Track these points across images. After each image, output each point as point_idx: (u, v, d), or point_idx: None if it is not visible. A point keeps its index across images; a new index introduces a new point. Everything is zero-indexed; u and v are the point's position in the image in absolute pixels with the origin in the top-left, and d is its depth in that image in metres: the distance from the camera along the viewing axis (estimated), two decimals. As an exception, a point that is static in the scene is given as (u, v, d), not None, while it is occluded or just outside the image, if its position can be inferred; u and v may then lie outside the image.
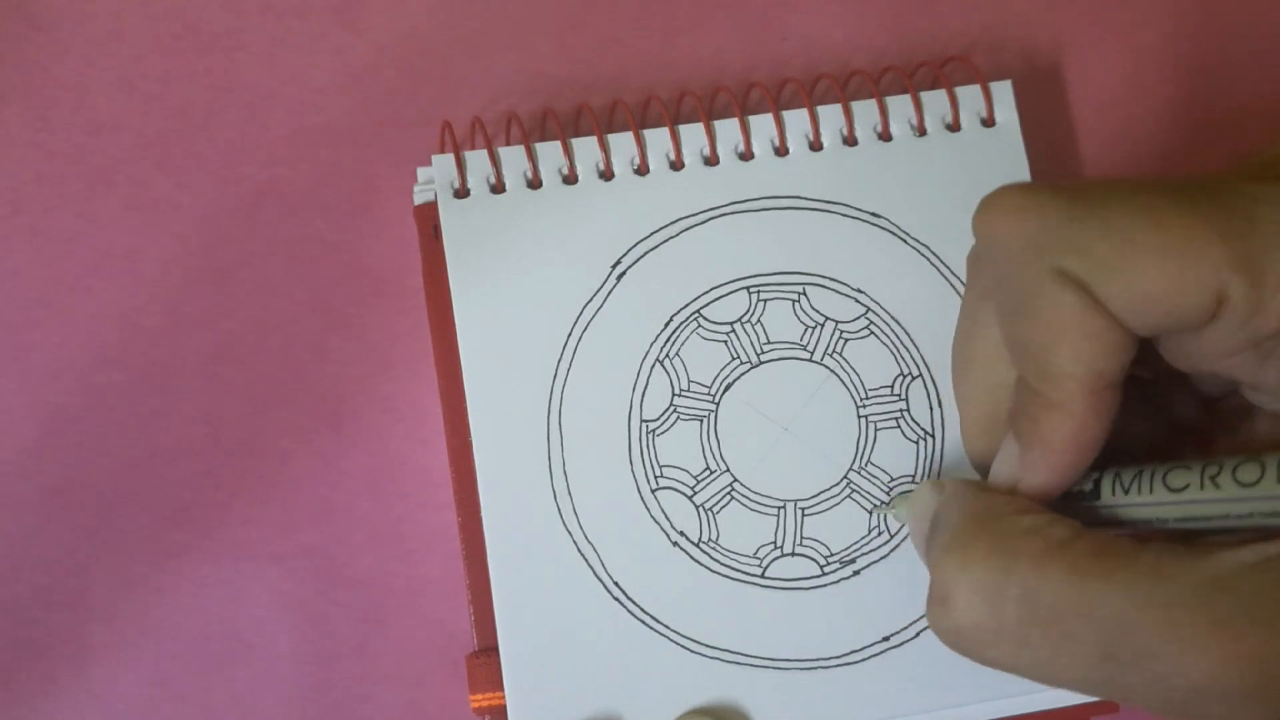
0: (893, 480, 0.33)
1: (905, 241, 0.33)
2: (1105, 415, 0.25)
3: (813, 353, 0.33)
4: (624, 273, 0.33)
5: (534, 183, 0.33)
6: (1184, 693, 0.22)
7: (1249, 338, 0.23)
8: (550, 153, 0.33)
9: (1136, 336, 0.24)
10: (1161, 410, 0.29)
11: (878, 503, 0.32)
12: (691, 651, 0.32)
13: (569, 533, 0.32)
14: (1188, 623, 0.22)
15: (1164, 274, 0.22)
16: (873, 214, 0.34)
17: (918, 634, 0.32)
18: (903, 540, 0.32)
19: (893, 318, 0.33)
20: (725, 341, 0.33)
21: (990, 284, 0.26)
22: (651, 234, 0.33)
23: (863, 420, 0.33)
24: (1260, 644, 0.21)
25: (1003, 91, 0.34)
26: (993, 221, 0.25)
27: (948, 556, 0.25)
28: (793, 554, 0.32)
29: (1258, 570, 0.22)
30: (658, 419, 0.32)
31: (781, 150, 0.34)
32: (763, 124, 0.34)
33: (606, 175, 0.34)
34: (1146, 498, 0.25)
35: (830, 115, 0.34)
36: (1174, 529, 0.25)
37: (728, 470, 0.32)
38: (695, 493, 0.32)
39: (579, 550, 0.32)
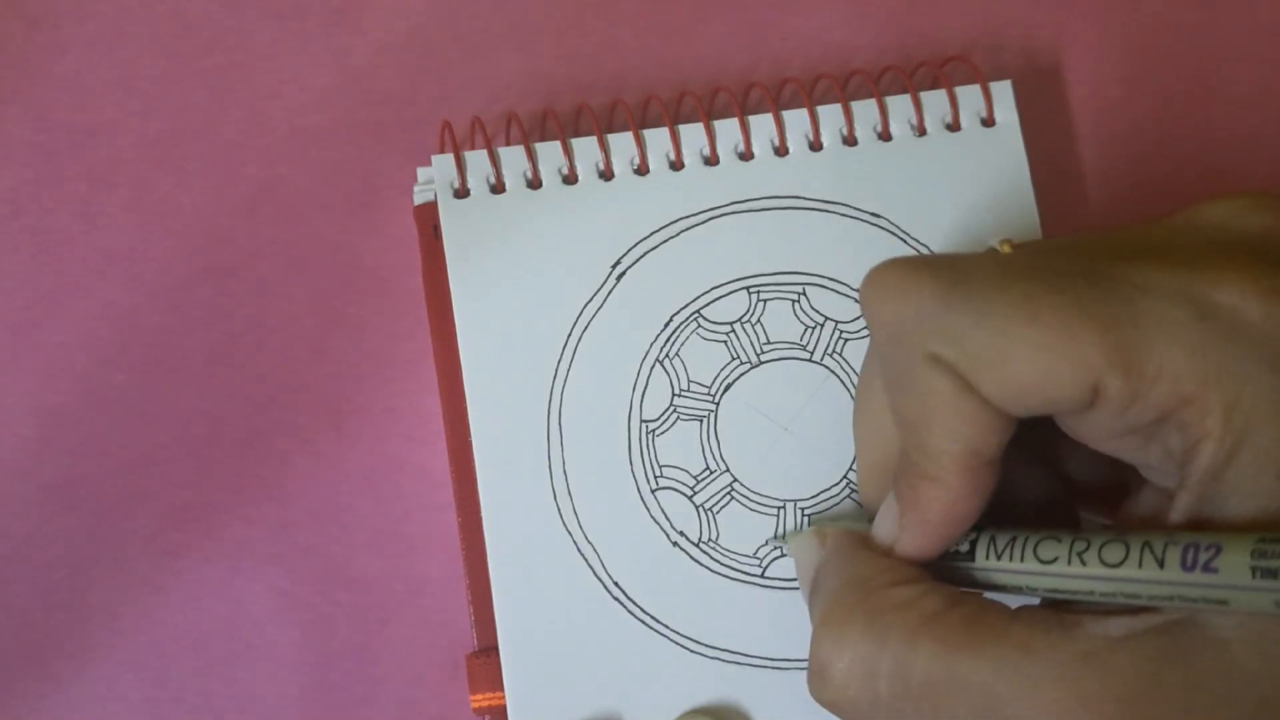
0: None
1: (905, 241, 0.33)
2: (981, 491, 0.25)
3: (813, 353, 0.33)
4: (624, 273, 0.33)
5: (534, 183, 0.33)
6: None
7: (1127, 426, 0.23)
8: (550, 153, 0.33)
9: (1012, 418, 0.24)
10: (1059, 465, 0.29)
11: (779, 536, 0.32)
12: (691, 651, 0.32)
13: (569, 533, 0.32)
14: (1054, 699, 0.23)
15: (1037, 367, 0.23)
16: (873, 214, 0.34)
17: (918, 634, 0.32)
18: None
19: (893, 318, 0.33)
20: (725, 341, 0.33)
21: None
22: (651, 234, 0.33)
23: (863, 420, 0.33)
24: (1118, 719, 0.22)
25: (1003, 91, 0.34)
26: (871, 300, 0.25)
27: (824, 630, 0.26)
28: (793, 554, 0.32)
29: (1122, 646, 0.23)
30: (658, 419, 0.32)
31: (781, 150, 0.34)
32: (763, 124, 0.34)
33: (606, 175, 0.34)
34: (1018, 565, 0.25)
35: (830, 115, 0.34)
36: (1044, 597, 0.25)
37: (728, 470, 0.32)
38: (695, 493, 0.32)
39: (579, 550, 0.32)
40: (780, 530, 0.32)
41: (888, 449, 0.27)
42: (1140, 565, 0.23)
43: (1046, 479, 0.29)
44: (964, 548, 0.27)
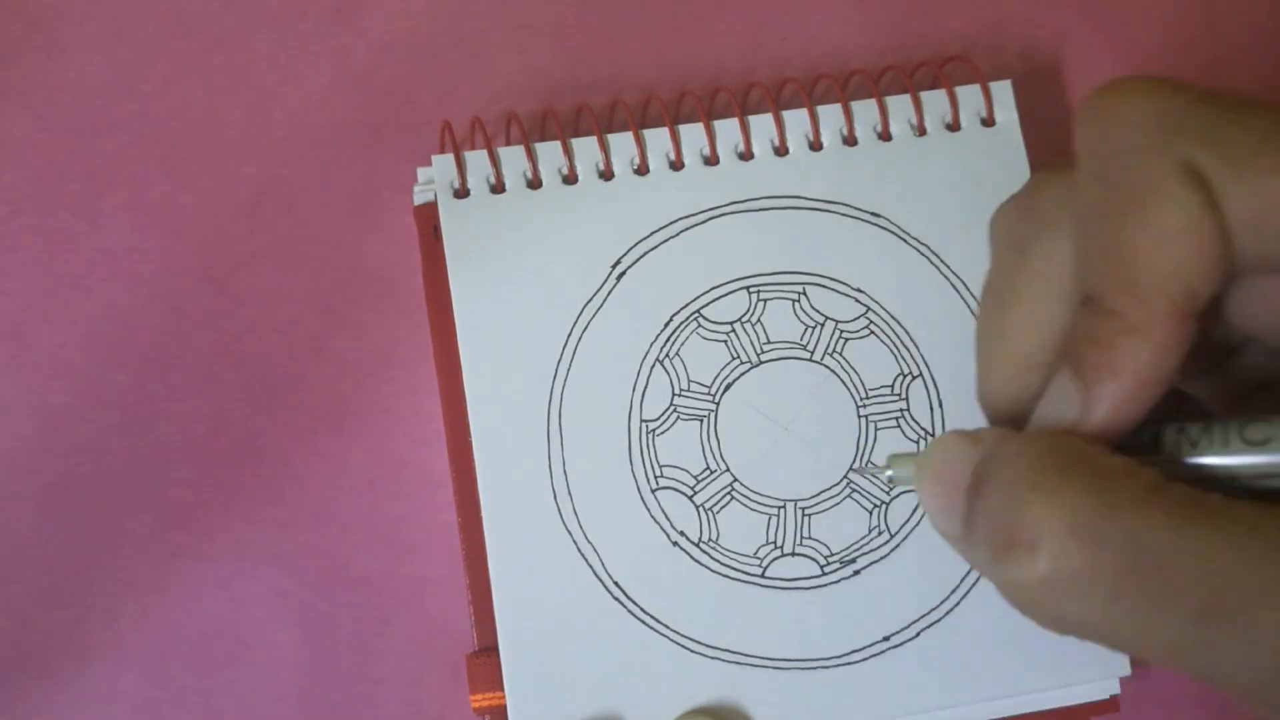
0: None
1: (905, 241, 0.33)
2: (1183, 348, 0.22)
3: (813, 353, 0.33)
4: (624, 272, 0.33)
5: (534, 183, 0.33)
6: (1276, 659, 0.20)
7: None
8: (550, 153, 0.33)
9: (1232, 265, 0.22)
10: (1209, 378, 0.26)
11: (868, 464, 0.31)
12: (691, 651, 0.32)
13: (569, 533, 0.32)
14: None
15: None
16: (873, 214, 0.34)
17: (918, 634, 0.32)
18: (903, 540, 0.32)
19: (893, 317, 0.33)
20: (725, 341, 0.33)
21: (1068, 192, 0.24)
22: (651, 234, 0.33)
23: (863, 420, 0.33)
24: None
25: (1003, 91, 0.34)
26: (1114, 103, 0.22)
27: (1034, 494, 0.21)
28: (793, 554, 0.32)
29: None
30: (658, 419, 0.32)
31: (781, 150, 0.34)
32: (763, 124, 0.34)
33: (606, 175, 0.34)
34: (1220, 451, 0.22)
35: (830, 115, 0.34)
36: (1249, 488, 0.22)
37: (728, 470, 0.32)
38: (695, 493, 0.32)
39: (579, 550, 0.32)
40: (779, 533, 0.32)
41: (1042, 334, 0.24)
42: None
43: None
44: (1146, 438, 0.23)
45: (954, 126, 0.34)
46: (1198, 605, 0.20)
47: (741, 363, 0.33)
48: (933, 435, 0.33)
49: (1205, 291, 0.21)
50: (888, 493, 0.32)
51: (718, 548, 0.32)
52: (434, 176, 0.33)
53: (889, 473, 0.27)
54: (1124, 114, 0.22)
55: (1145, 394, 0.22)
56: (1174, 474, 0.22)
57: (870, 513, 0.32)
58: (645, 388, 0.33)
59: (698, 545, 0.32)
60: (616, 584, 0.32)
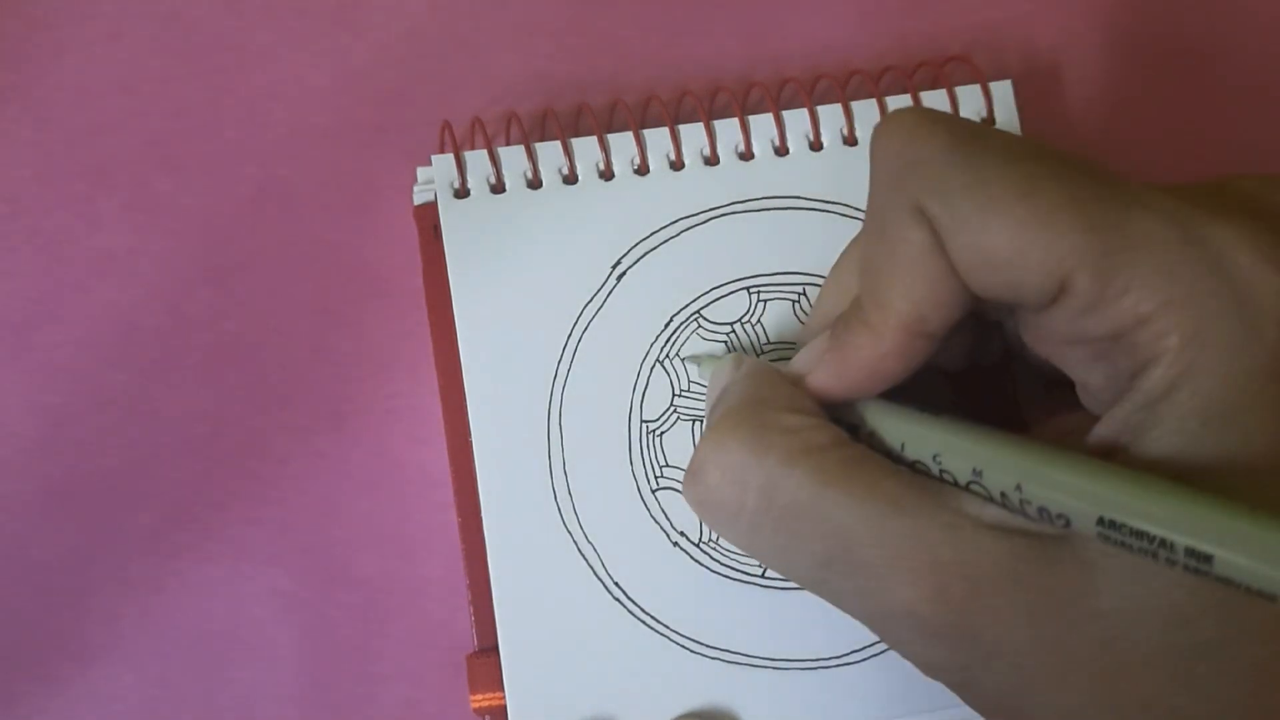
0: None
1: (905, 241, 0.33)
2: (909, 359, 0.25)
3: (813, 353, 0.33)
4: (624, 273, 0.33)
5: (534, 183, 0.33)
6: (883, 613, 0.24)
7: (1081, 334, 0.23)
8: (550, 153, 0.33)
9: (971, 296, 0.24)
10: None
11: (692, 355, 0.32)
12: (692, 652, 0.32)
13: (569, 533, 0.32)
14: (905, 556, 0.23)
15: (1013, 243, 0.22)
16: (873, 214, 0.34)
17: (918, 634, 0.32)
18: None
19: (893, 318, 0.33)
20: (725, 342, 0.33)
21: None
22: (651, 234, 0.33)
23: (863, 420, 0.33)
24: (963, 596, 0.23)
25: (1003, 91, 0.34)
26: (881, 136, 0.25)
27: (711, 434, 0.26)
28: (793, 554, 0.32)
29: (988, 531, 0.23)
30: (658, 419, 0.32)
31: (782, 150, 0.34)
32: (763, 124, 0.34)
33: (606, 175, 0.34)
34: (904, 423, 0.26)
35: (830, 115, 0.34)
36: (921, 463, 0.25)
37: (728, 470, 0.32)
38: (695, 493, 0.32)
39: (579, 550, 0.32)
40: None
41: (847, 303, 0.27)
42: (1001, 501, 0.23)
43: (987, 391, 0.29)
44: (856, 420, 0.26)
45: (954, 127, 0.34)
46: (823, 554, 0.24)
47: (741, 363, 0.33)
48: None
49: (936, 317, 0.24)
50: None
51: (718, 548, 0.32)
52: (434, 176, 0.33)
53: (698, 366, 0.32)
54: (883, 149, 0.25)
55: (863, 378, 0.26)
56: (880, 445, 0.26)
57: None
58: (645, 388, 0.33)
59: (698, 546, 0.32)
60: (617, 584, 0.32)
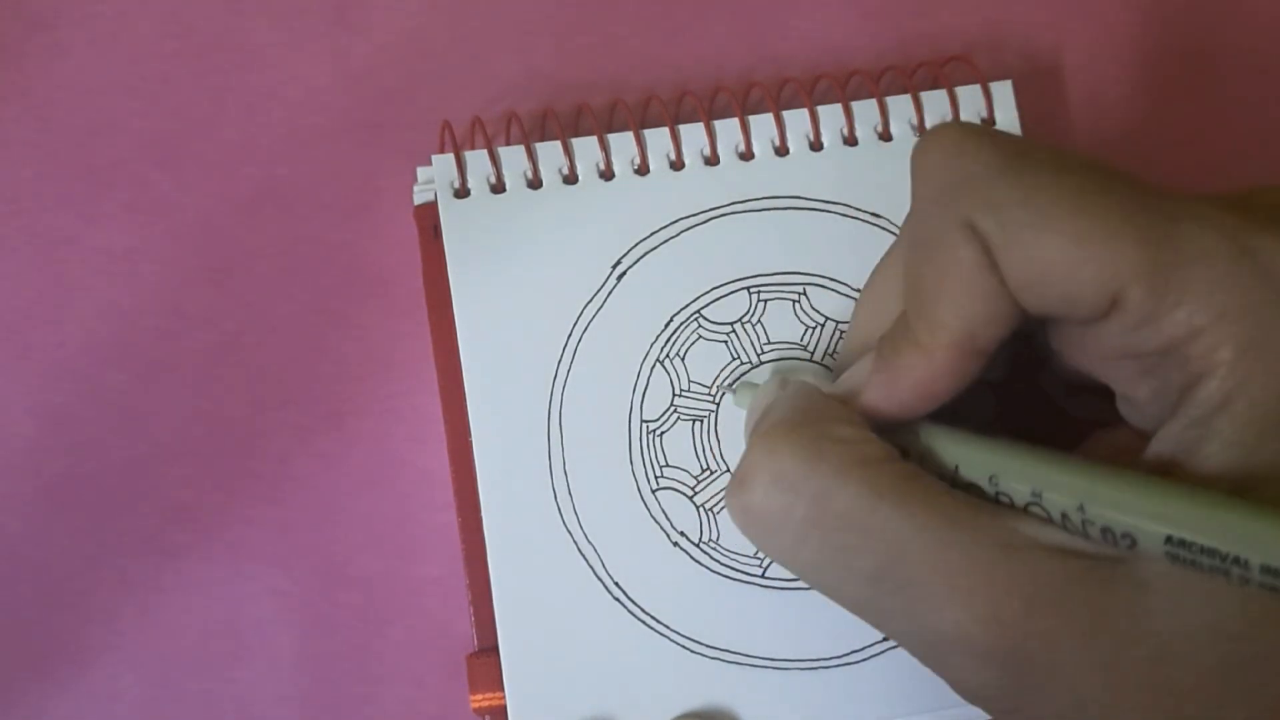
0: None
1: (905, 241, 0.33)
2: (959, 377, 0.25)
3: (813, 353, 0.33)
4: (624, 273, 0.33)
5: (534, 183, 0.33)
6: (933, 634, 0.23)
7: (1132, 348, 0.23)
8: (550, 153, 0.33)
9: (1021, 312, 0.24)
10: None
11: (729, 385, 0.32)
12: (692, 652, 0.32)
13: (569, 533, 0.32)
14: (958, 574, 0.23)
15: (1066, 258, 0.22)
16: (873, 214, 0.34)
17: (918, 634, 0.32)
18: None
19: (893, 318, 0.33)
20: (726, 342, 0.33)
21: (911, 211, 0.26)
22: (652, 234, 0.33)
23: (863, 420, 0.33)
24: (1018, 617, 0.22)
25: (1003, 91, 0.34)
26: (925, 153, 0.25)
27: (760, 440, 0.25)
28: (793, 554, 0.32)
29: (1046, 552, 0.22)
30: (658, 419, 0.32)
31: (782, 150, 0.34)
32: (763, 124, 0.34)
33: (606, 175, 0.34)
34: (960, 446, 0.25)
35: (830, 115, 0.34)
36: (977, 485, 0.25)
37: (728, 470, 0.32)
38: (696, 493, 0.32)
39: (579, 550, 0.32)
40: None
41: (888, 322, 0.27)
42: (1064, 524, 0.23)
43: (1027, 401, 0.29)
44: (909, 439, 0.26)
45: (954, 127, 0.34)
46: (873, 570, 0.23)
47: (742, 363, 0.33)
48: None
49: (987, 334, 0.24)
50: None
51: (718, 548, 0.32)
52: (434, 176, 0.33)
53: (734, 396, 0.32)
54: (927, 166, 0.25)
55: (914, 398, 0.25)
56: (934, 466, 0.25)
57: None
58: (645, 388, 0.33)
59: (698, 545, 0.32)
60: (617, 584, 0.32)
